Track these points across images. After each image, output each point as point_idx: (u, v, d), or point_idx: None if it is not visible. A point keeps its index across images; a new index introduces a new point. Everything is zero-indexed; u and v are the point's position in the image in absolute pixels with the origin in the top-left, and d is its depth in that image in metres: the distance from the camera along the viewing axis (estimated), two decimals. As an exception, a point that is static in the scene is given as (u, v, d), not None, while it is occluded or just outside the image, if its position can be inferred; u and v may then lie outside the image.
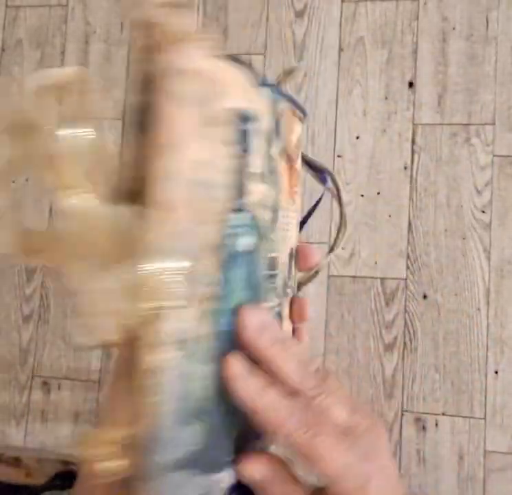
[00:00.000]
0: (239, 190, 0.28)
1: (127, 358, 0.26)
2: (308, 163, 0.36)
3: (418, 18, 0.74)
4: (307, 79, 0.75)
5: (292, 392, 0.29)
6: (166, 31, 0.26)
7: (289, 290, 0.33)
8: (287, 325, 0.33)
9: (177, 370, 0.26)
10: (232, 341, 0.28)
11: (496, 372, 0.67)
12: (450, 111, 0.72)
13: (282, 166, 0.31)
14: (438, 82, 0.73)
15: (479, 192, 0.70)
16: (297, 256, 0.35)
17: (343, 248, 0.72)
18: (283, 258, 0.31)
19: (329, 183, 0.37)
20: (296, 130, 0.33)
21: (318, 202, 0.37)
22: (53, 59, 0.83)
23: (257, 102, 0.29)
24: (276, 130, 0.30)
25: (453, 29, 0.74)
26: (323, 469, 0.30)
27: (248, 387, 0.29)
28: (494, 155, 0.70)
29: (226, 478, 0.28)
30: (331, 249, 0.38)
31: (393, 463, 0.33)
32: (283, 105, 0.31)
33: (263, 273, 0.30)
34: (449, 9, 0.74)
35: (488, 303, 0.68)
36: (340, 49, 0.75)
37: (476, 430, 0.67)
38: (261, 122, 0.29)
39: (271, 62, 0.77)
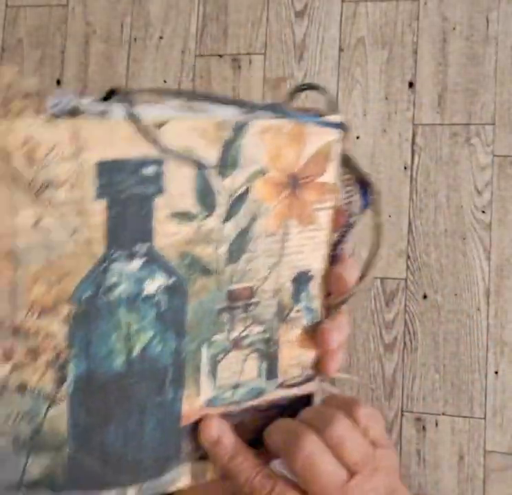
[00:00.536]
0: (125, 238, 0.27)
1: None
2: (353, 174, 0.33)
3: (418, 19, 0.74)
4: (307, 79, 0.75)
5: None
6: None
7: (295, 315, 0.31)
8: (289, 351, 0.32)
9: None
10: (91, 388, 0.28)
11: (496, 373, 0.67)
12: (450, 111, 0.72)
13: (261, 189, 0.29)
14: (438, 82, 0.73)
15: (479, 192, 0.70)
16: (326, 278, 0.33)
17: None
18: (270, 284, 0.31)
19: (368, 200, 0.33)
20: (311, 145, 0.30)
21: (348, 228, 0.34)
22: (53, 59, 0.83)
23: (142, 146, 0.27)
24: (227, 158, 0.28)
25: (454, 29, 0.74)
26: None
27: (223, 448, 0.31)
28: (494, 155, 0.71)
29: None
30: (362, 276, 0.33)
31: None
32: (257, 125, 0.29)
33: (210, 307, 0.29)
34: (449, 9, 0.74)
35: (488, 303, 0.68)
36: (341, 49, 0.75)
37: (476, 430, 0.67)
38: (164, 163, 0.27)
39: (271, 62, 0.77)
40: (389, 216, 0.72)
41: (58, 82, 0.83)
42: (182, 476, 0.31)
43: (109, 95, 0.26)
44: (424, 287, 0.70)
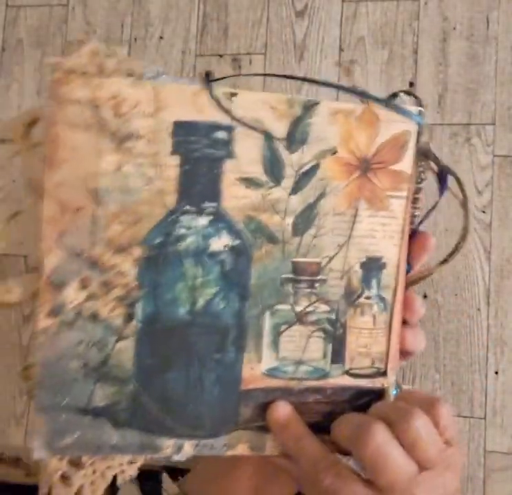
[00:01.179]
0: (195, 194, 0.29)
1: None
2: (436, 166, 0.35)
3: (418, 18, 0.74)
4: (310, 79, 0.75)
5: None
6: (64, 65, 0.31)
7: (364, 301, 0.32)
8: (357, 339, 0.32)
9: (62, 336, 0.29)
10: (157, 332, 0.30)
11: (496, 373, 0.67)
12: (450, 111, 0.72)
13: (330, 167, 0.31)
14: (438, 82, 0.73)
15: (479, 192, 0.70)
16: (396, 269, 0.34)
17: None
18: (338, 264, 0.31)
19: (448, 186, 0.35)
20: (385, 131, 0.32)
21: (433, 208, 0.35)
22: (53, 59, 0.84)
23: (215, 112, 0.29)
24: (295, 134, 0.30)
25: (454, 29, 0.74)
26: None
27: (291, 433, 0.31)
28: (494, 155, 0.70)
29: (165, 443, 0.31)
30: (445, 260, 0.36)
31: None
32: (325, 108, 0.31)
33: (274, 275, 0.30)
34: (450, 9, 0.74)
35: (488, 303, 0.68)
36: (341, 49, 0.75)
37: (476, 429, 0.67)
38: (235, 129, 0.29)
39: (271, 62, 0.77)
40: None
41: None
42: (239, 443, 0.31)
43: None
44: (425, 286, 0.70)
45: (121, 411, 0.30)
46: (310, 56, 0.76)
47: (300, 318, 0.31)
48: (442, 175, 0.35)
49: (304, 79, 0.32)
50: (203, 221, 0.29)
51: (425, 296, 0.70)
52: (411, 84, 0.74)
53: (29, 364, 0.29)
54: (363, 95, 0.31)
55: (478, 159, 0.71)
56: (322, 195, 0.31)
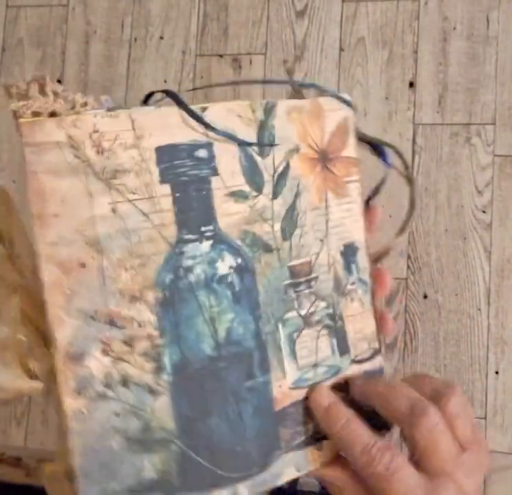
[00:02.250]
0: (192, 220, 0.29)
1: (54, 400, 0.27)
2: (369, 143, 0.36)
3: (418, 18, 0.74)
4: (308, 79, 0.75)
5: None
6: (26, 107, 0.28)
7: (351, 287, 0.33)
8: (354, 325, 0.33)
9: (104, 411, 0.27)
10: (189, 373, 0.28)
11: (497, 373, 0.67)
12: (450, 111, 0.72)
13: (298, 165, 0.31)
14: (438, 82, 0.73)
15: (479, 192, 0.70)
16: (366, 250, 0.35)
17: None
18: (324, 258, 0.32)
19: (390, 160, 0.36)
20: (330, 121, 0.32)
21: (381, 183, 0.35)
22: (53, 59, 0.83)
23: (191, 132, 0.29)
24: (263, 138, 0.30)
25: (454, 29, 0.74)
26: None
27: (330, 415, 0.31)
28: (495, 155, 0.70)
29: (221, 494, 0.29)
30: (400, 231, 0.38)
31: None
32: (282, 107, 0.31)
33: (277, 284, 0.30)
34: (450, 9, 0.74)
35: (488, 303, 0.68)
36: (341, 49, 0.75)
37: (477, 430, 0.67)
38: (213, 145, 0.29)
39: (271, 62, 0.77)
40: (390, 216, 0.72)
41: (59, 82, 0.83)
42: (286, 468, 0.31)
43: (147, 99, 0.30)
44: (425, 286, 0.70)
45: (173, 478, 0.28)
46: (310, 56, 0.76)
47: (306, 321, 0.31)
48: (379, 150, 0.35)
49: (255, 81, 0.33)
50: (205, 246, 0.29)
51: (425, 296, 0.70)
52: (412, 84, 0.74)
53: (65, 457, 0.26)
54: (312, 86, 0.32)
55: (478, 158, 0.71)
56: (297, 194, 0.31)
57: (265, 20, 0.78)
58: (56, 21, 0.84)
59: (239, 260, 0.30)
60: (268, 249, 0.30)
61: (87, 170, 0.26)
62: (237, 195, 0.29)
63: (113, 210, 0.27)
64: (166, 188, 0.28)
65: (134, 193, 0.27)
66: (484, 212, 0.70)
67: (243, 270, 0.30)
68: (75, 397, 0.26)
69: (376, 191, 0.35)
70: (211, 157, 0.29)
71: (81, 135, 0.26)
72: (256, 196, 0.30)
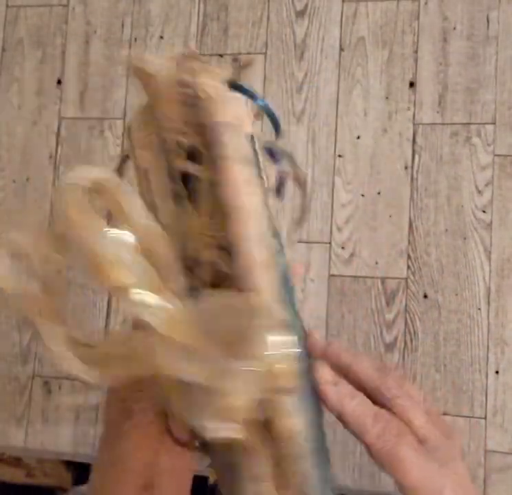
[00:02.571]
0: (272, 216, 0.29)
1: (257, 437, 0.28)
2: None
3: (418, 18, 0.74)
4: (308, 79, 0.75)
5: (375, 401, 0.32)
6: (205, 89, 0.28)
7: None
8: None
9: (304, 430, 0.29)
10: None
11: (497, 372, 0.67)
12: (451, 111, 0.72)
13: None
14: (438, 81, 0.73)
15: (480, 192, 0.70)
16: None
17: (343, 248, 0.71)
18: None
19: (282, 163, 0.34)
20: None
21: (280, 185, 0.34)
22: (53, 59, 0.83)
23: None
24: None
25: (454, 28, 0.74)
26: (402, 479, 0.32)
27: (338, 391, 0.32)
28: (495, 155, 0.70)
29: None
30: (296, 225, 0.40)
31: (467, 471, 0.34)
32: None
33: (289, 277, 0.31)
34: (450, 9, 0.74)
35: (488, 303, 0.68)
36: (341, 49, 0.75)
37: (477, 429, 0.67)
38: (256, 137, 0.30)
39: (271, 62, 0.77)
40: (390, 216, 0.72)
41: (59, 82, 0.83)
42: None
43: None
44: (425, 286, 0.70)
45: None
46: (310, 56, 0.76)
47: None
48: (271, 152, 0.33)
49: None
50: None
51: (425, 296, 0.70)
52: (412, 84, 0.74)
53: None
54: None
55: (478, 158, 0.71)
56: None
57: (265, 20, 0.78)
58: (56, 21, 0.84)
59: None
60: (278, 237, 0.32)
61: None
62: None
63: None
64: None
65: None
66: (484, 211, 0.70)
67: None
68: None
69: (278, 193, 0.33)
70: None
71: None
72: None
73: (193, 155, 0.28)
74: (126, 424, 0.41)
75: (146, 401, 0.41)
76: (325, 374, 0.33)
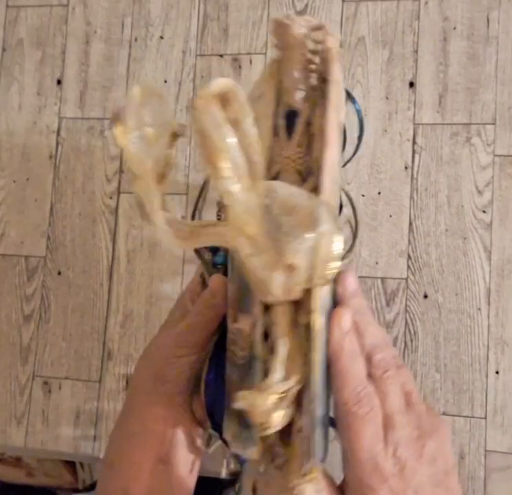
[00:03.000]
0: None
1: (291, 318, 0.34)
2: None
3: (418, 18, 0.74)
4: (308, 79, 0.75)
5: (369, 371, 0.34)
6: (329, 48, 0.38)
7: None
8: None
9: (324, 334, 0.33)
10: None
11: (497, 372, 0.67)
12: (451, 111, 0.72)
13: None
14: (438, 81, 0.73)
15: (480, 192, 0.70)
16: None
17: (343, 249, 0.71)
18: None
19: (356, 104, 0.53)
20: None
21: None
22: (54, 59, 0.83)
23: None
24: None
25: (454, 28, 0.74)
26: (353, 449, 0.33)
27: (348, 340, 0.33)
28: (495, 155, 0.70)
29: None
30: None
31: (455, 472, 0.34)
32: None
33: None
34: (450, 8, 0.74)
35: (489, 303, 0.68)
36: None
37: (477, 429, 0.67)
38: None
39: (272, 62, 0.77)
40: (390, 216, 0.72)
41: (59, 82, 0.83)
42: None
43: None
44: (425, 286, 0.70)
45: None
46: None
47: None
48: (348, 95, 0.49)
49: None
50: None
51: (426, 296, 0.70)
52: (412, 84, 0.74)
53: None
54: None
55: (479, 158, 0.71)
56: None
57: (265, 20, 0.78)
58: (56, 21, 0.84)
59: None
60: None
61: None
62: None
63: None
64: None
65: None
66: (484, 211, 0.70)
67: None
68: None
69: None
70: None
71: None
72: None
73: (299, 97, 0.38)
74: (156, 391, 0.43)
75: (181, 369, 0.42)
76: (346, 323, 0.34)
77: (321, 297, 0.34)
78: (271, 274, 0.31)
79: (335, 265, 0.33)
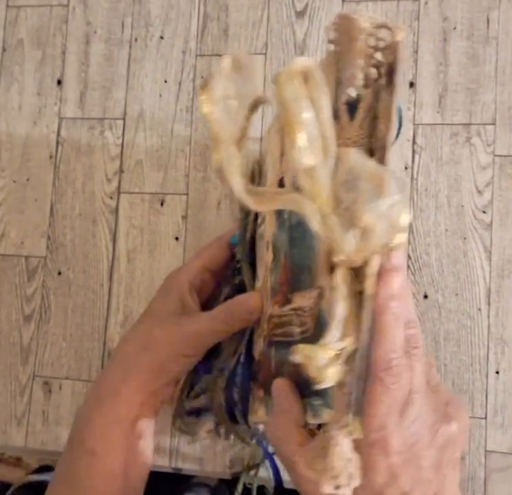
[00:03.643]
0: None
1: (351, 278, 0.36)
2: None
3: (418, 18, 0.75)
4: (308, 79, 0.75)
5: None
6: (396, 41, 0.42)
7: None
8: None
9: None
10: None
11: (497, 372, 0.67)
12: (451, 111, 0.73)
13: None
14: (438, 82, 0.73)
15: (480, 192, 0.70)
16: None
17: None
18: None
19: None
20: None
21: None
22: (53, 59, 0.83)
23: None
24: None
25: (454, 29, 0.74)
26: (368, 414, 0.32)
27: (394, 304, 0.34)
28: (495, 155, 0.71)
29: None
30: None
31: (456, 478, 0.33)
32: None
33: None
34: (450, 9, 0.74)
35: (489, 303, 0.68)
36: (341, 49, 0.75)
37: (477, 429, 0.67)
38: None
39: (272, 62, 0.77)
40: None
41: (59, 82, 0.83)
42: None
43: None
44: (425, 286, 0.70)
45: None
46: (310, 56, 0.76)
47: None
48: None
49: None
50: None
51: (426, 296, 0.70)
52: (412, 84, 0.74)
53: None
54: None
55: (479, 158, 0.71)
56: None
57: (265, 20, 0.78)
58: (56, 21, 0.84)
59: None
60: None
61: None
62: None
63: None
64: None
65: None
66: (484, 212, 0.70)
67: None
68: None
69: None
70: None
71: None
72: None
73: (361, 83, 0.41)
74: (153, 382, 0.44)
75: (186, 367, 0.44)
76: (397, 283, 0.34)
77: (378, 264, 0.36)
78: (347, 232, 0.33)
79: (401, 236, 0.35)
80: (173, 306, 0.52)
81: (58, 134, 0.82)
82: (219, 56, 0.79)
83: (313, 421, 0.40)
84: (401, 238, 0.35)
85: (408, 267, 0.70)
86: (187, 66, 0.80)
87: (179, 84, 0.80)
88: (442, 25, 0.74)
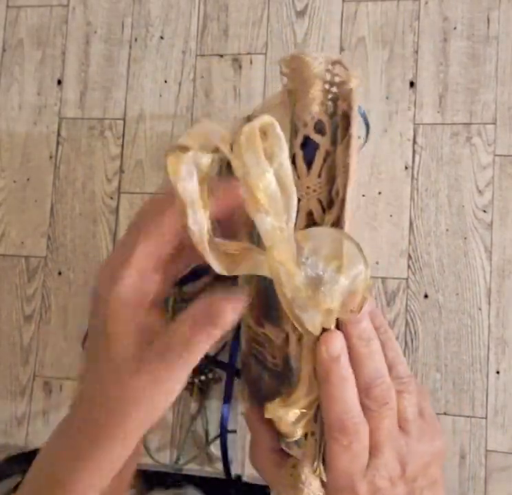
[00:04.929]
0: None
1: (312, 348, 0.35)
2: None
3: (419, 18, 0.74)
4: (308, 79, 0.75)
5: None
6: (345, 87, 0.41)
7: None
8: None
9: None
10: None
11: (498, 372, 0.67)
12: (451, 111, 0.73)
13: None
14: (439, 81, 0.73)
15: (480, 192, 0.70)
16: None
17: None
18: None
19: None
20: None
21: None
22: (54, 59, 0.83)
23: None
24: None
25: (454, 28, 0.74)
26: (330, 470, 0.32)
27: (335, 366, 0.33)
28: (495, 155, 0.71)
29: None
30: None
31: None
32: None
33: None
34: (450, 9, 0.74)
35: (489, 303, 0.68)
36: (342, 49, 0.76)
37: (477, 429, 0.67)
38: None
39: (272, 62, 0.77)
40: (391, 215, 0.72)
41: (59, 82, 0.83)
42: None
43: None
44: (426, 286, 0.70)
45: None
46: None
47: None
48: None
49: None
50: None
51: (426, 296, 0.70)
52: (412, 84, 0.74)
53: None
54: None
55: (479, 158, 0.71)
56: None
57: (265, 20, 0.78)
58: (56, 21, 0.84)
59: None
60: None
61: None
62: None
63: None
64: None
65: None
66: (484, 211, 0.70)
67: None
68: None
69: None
70: None
71: None
72: None
73: (317, 129, 0.40)
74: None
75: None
76: (336, 347, 0.33)
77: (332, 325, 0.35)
78: (308, 314, 0.32)
79: (365, 299, 0.35)
80: (122, 349, 0.36)
81: (58, 134, 0.82)
82: (220, 56, 0.79)
83: (286, 450, 0.40)
84: (366, 300, 0.35)
85: (408, 266, 0.71)
86: (187, 66, 0.80)
87: (179, 84, 0.80)
88: (442, 25, 0.74)
